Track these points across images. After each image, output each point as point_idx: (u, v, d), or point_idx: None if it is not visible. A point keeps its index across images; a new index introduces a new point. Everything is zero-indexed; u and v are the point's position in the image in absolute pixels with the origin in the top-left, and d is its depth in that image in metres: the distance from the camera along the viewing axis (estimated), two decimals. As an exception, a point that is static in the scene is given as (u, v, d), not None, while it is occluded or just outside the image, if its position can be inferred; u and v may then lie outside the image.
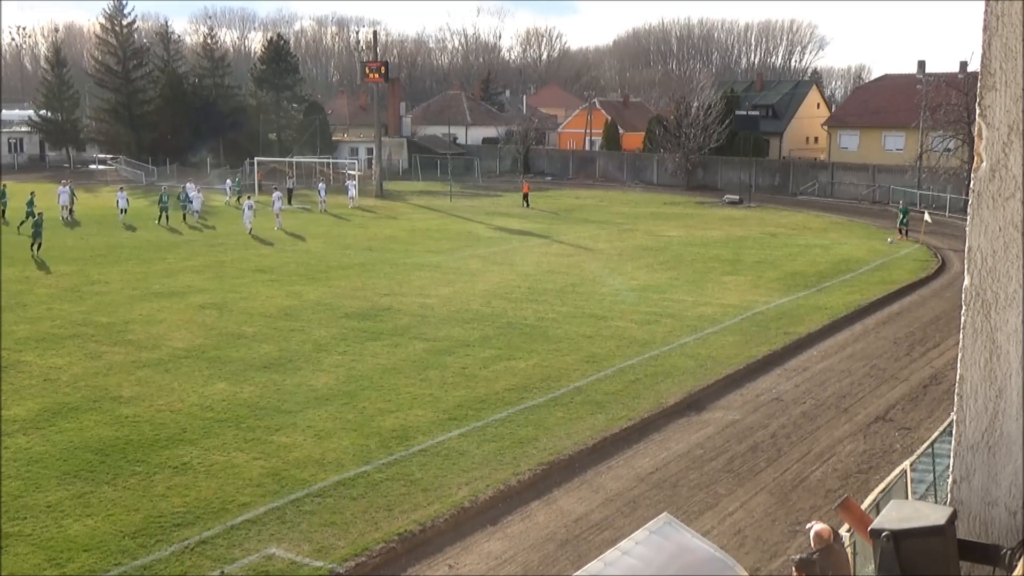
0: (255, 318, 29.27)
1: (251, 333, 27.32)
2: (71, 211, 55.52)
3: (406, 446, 18.57)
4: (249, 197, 54.63)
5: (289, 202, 63.56)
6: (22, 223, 47.08)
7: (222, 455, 17.96)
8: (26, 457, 17.72)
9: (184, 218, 55.42)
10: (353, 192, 65.46)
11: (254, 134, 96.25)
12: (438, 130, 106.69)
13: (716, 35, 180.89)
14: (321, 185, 63.93)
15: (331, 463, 17.65)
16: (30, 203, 50.35)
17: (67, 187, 56.55)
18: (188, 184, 60.79)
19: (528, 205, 65.51)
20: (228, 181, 68.30)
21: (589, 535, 15.50)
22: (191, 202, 56.96)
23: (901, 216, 51.25)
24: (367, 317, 29.51)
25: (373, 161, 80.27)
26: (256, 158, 78.28)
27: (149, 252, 42.88)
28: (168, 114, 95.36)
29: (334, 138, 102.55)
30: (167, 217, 54.08)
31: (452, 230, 51.87)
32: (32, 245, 41.39)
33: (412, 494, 16.46)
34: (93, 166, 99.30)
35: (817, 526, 8.55)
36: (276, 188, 58.08)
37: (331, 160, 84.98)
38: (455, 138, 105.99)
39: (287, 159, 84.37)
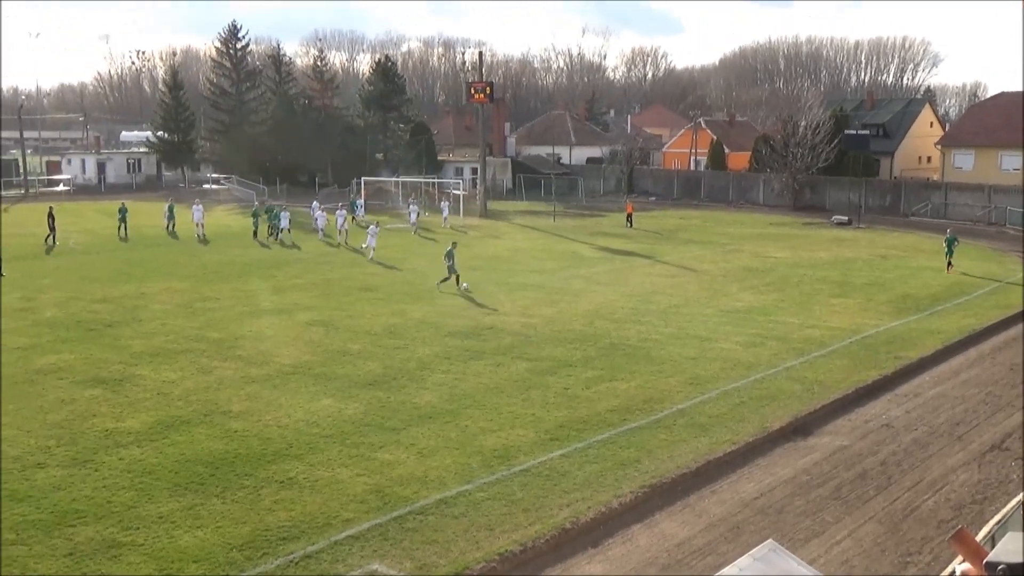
0: (360, 336, 29.69)
1: (356, 350, 27.69)
2: (203, 227, 57.53)
3: (508, 466, 18.57)
4: (376, 223, 53.33)
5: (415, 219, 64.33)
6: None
7: (327, 471, 18.21)
8: (140, 468, 18.23)
9: (274, 233, 57.23)
10: (447, 212, 65.74)
11: (362, 154, 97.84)
12: (542, 150, 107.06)
13: (825, 53, 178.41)
14: (413, 206, 63.03)
15: (433, 481, 17.75)
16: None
17: (200, 206, 58.66)
18: (314, 203, 62.45)
19: (632, 225, 65.26)
20: (359, 200, 69.45)
21: (691, 560, 15.27)
22: (316, 220, 58.82)
23: (947, 248, 45.73)
24: (470, 336, 29.69)
25: (477, 181, 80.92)
26: (363, 178, 79.70)
27: (259, 270, 43.91)
28: (279, 134, 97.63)
29: (439, 158, 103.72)
30: (276, 233, 56.06)
31: (555, 250, 51.91)
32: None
33: (513, 514, 16.44)
34: (207, 185, 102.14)
35: (965, 565, 8.22)
36: (342, 205, 59.08)
37: (436, 180, 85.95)
38: (559, 158, 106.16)
39: (393, 179, 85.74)
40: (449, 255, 38.65)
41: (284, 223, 56.26)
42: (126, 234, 56.17)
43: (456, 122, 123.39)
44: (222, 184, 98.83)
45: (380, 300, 36.01)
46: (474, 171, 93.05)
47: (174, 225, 59.03)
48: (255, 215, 57.59)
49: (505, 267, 45.08)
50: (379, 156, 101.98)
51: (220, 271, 43.23)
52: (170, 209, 60.07)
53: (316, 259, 47.69)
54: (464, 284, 38.44)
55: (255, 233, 56.41)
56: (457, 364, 26.17)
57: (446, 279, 38.48)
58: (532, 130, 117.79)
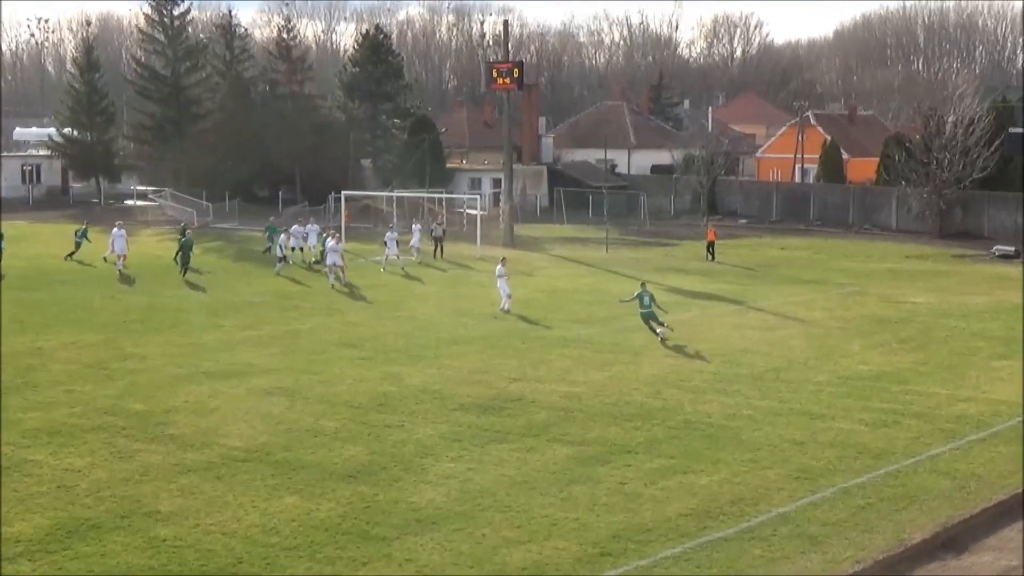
0: (338, 409, 29.62)
1: (332, 429, 27.61)
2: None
3: (541, 591, 18.40)
4: (503, 260, 48.94)
5: (438, 254, 64.69)
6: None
7: (290, 596, 18.08)
8: (31, 591, 18.14)
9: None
10: (416, 241, 64.08)
11: (342, 160, 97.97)
12: (590, 155, 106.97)
13: (981, 23, 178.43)
14: (390, 235, 61.60)
15: (437, 612, 17.60)
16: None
17: (122, 231, 58.72)
18: (306, 226, 62.86)
19: (714, 258, 65.28)
20: (313, 227, 68.04)
21: None
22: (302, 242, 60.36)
23: None
24: (490, 410, 29.61)
25: (501, 196, 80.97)
26: (344, 192, 79.14)
27: (200, 317, 44.14)
28: (230, 133, 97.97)
29: (449, 165, 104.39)
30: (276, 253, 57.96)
31: (609, 292, 51.43)
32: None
33: (548, 659, 16.26)
34: (130, 202, 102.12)
35: None
36: (334, 232, 58.18)
37: (444, 195, 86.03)
38: (614, 166, 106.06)
39: (385, 193, 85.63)
40: (649, 297, 39.81)
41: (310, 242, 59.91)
42: None
43: (472, 117, 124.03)
44: (152, 200, 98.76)
45: (366, 360, 36.03)
46: (497, 183, 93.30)
47: (74, 253, 60.00)
48: (183, 246, 56.88)
49: (540, 315, 45.07)
50: (366, 162, 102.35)
51: (147, 318, 43.41)
52: (82, 233, 60.67)
53: (277, 303, 48.01)
54: (661, 331, 39.53)
55: (182, 264, 55.64)
56: (471, 449, 26.07)
57: (658, 326, 39.56)
58: (576, 127, 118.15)
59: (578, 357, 36.74)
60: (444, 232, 67.55)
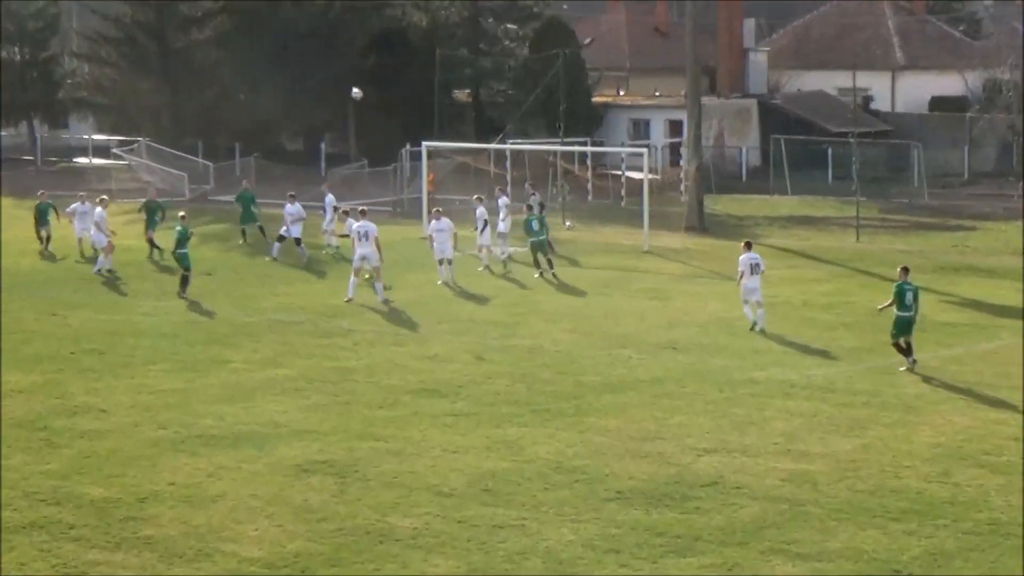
0: (418, 497, 29.34)
1: (409, 530, 27.28)
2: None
3: None
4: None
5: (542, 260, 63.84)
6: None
7: None
8: None
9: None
10: (504, 225, 62.41)
11: (422, 92, 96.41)
12: (828, 81, 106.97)
13: None
14: (484, 208, 60.58)
15: None
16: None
17: (93, 206, 60.79)
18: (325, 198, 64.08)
19: (1036, 251, 64.65)
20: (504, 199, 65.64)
21: None
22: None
23: None
24: (667, 501, 29.15)
25: (683, 150, 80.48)
26: (425, 143, 77.17)
27: (195, 346, 44.35)
28: (241, 50, 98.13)
29: (597, 98, 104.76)
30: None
31: (858, 305, 51.73)
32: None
33: None
34: (83, 159, 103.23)
35: None
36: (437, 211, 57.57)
37: (589, 147, 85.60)
38: (868, 99, 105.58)
39: (494, 146, 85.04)
40: (913, 293, 41.58)
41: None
42: None
43: (634, 20, 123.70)
44: (119, 158, 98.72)
45: (461, 417, 35.92)
46: (675, 129, 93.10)
47: (47, 241, 62.42)
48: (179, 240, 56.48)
49: (744, 343, 45.13)
50: (461, 94, 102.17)
51: (110, 348, 43.66)
52: (41, 211, 62.91)
53: (316, 323, 48.40)
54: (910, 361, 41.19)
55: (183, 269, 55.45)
56: (637, 564, 25.61)
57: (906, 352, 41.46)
58: (805, 37, 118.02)
59: (811, 414, 36.34)
60: (543, 206, 65.35)
